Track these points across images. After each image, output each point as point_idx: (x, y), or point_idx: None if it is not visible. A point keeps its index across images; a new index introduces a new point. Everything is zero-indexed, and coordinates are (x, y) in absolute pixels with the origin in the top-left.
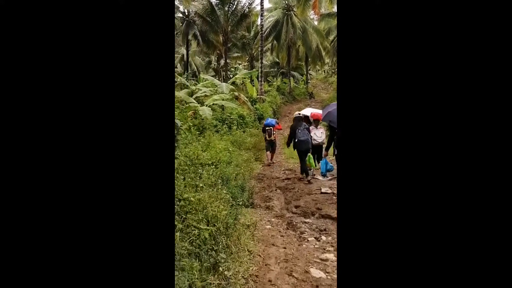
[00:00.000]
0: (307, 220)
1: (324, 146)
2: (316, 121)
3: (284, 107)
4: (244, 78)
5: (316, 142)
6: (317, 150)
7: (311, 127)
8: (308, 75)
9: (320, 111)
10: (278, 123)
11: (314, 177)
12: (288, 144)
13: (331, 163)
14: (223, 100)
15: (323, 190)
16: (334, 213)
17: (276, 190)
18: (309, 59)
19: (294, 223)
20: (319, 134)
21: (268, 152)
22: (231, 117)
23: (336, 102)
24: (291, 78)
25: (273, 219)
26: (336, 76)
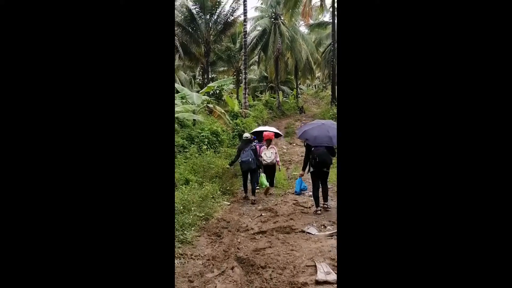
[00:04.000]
0: None
1: (278, 166)
2: (268, 141)
3: (272, 122)
4: (218, 87)
5: (265, 162)
6: (268, 170)
7: (262, 147)
8: (298, 90)
9: (273, 130)
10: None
11: (308, 230)
12: (230, 163)
13: (305, 182)
14: (187, 112)
15: (320, 277)
16: None
17: (232, 269)
18: (299, 73)
19: None
20: (269, 154)
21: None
22: (202, 134)
23: (315, 121)
24: (280, 92)
25: None
26: (327, 91)
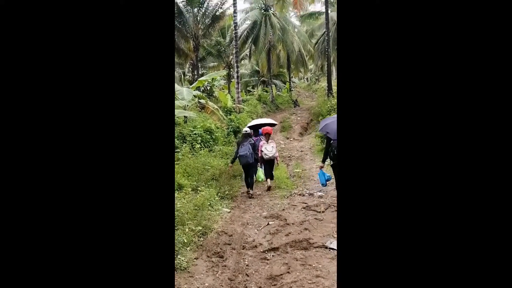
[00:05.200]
0: None
1: (277, 161)
2: (267, 135)
3: (267, 117)
4: (209, 82)
5: (267, 156)
6: (269, 164)
7: (262, 142)
8: (291, 83)
9: (268, 121)
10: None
11: (331, 246)
12: (232, 160)
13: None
14: (177, 108)
15: None
16: None
17: None
18: (292, 65)
19: None
20: (269, 149)
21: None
22: (194, 132)
23: (335, 115)
24: (273, 86)
25: None
26: (320, 83)
